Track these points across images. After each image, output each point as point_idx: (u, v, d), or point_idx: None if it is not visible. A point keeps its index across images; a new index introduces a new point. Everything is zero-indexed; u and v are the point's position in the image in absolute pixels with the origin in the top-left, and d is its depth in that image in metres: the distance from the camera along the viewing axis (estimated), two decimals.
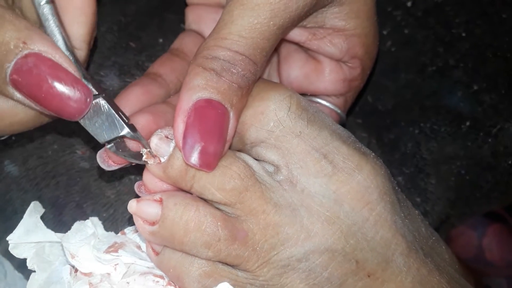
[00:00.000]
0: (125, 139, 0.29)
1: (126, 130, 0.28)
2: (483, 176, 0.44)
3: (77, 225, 0.33)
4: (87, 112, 0.28)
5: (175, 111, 0.28)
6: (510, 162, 0.44)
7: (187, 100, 0.27)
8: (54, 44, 0.27)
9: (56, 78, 0.26)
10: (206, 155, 0.27)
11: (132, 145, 0.30)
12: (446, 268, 0.30)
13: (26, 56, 0.26)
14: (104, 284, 0.29)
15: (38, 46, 0.26)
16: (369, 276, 0.28)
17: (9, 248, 0.34)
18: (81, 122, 0.28)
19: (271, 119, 0.29)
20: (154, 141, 0.29)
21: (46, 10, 0.27)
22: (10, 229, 0.40)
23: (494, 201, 0.44)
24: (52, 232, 0.34)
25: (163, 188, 0.30)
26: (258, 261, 0.28)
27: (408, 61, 0.47)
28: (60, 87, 0.26)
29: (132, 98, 0.33)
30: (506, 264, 0.44)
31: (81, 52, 0.30)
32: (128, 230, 0.34)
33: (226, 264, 0.29)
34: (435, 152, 0.44)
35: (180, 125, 0.27)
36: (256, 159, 0.30)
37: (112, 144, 0.29)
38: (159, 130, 0.29)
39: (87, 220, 0.34)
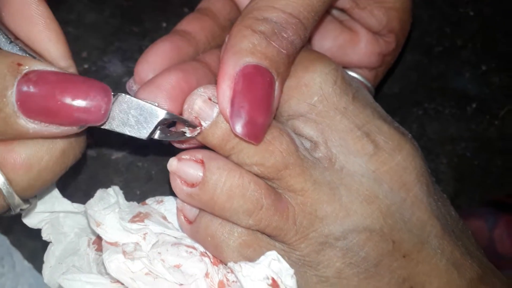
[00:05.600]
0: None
1: (163, 112, 0.27)
2: (492, 161, 0.44)
3: (99, 192, 0.32)
4: (117, 116, 0.26)
5: (218, 75, 0.26)
6: None
7: (234, 65, 0.26)
8: (46, 62, 0.25)
9: (66, 83, 0.24)
10: (255, 126, 0.26)
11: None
12: (475, 252, 0.30)
13: (27, 74, 0.24)
14: (139, 253, 0.28)
15: (34, 65, 0.24)
16: (404, 257, 0.28)
17: (22, 217, 0.32)
18: (117, 129, 0.27)
19: (315, 92, 0.28)
20: (198, 104, 0.27)
21: (16, 50, 0.26)
22: (19, 218, 0.39)
23: (507, 187, 0.44)
24: (69, 202, 0.33)
25: (198, 143, 0.28)
26: (297, 235, 0.27)
27: (414, 42, 0.46)
28: (74, 90, 0.24)
29: (161, 54, 0.31)
30: None
31: (72, 70, 0.27)
32: (150, 201, 0.33)
33: (264, 234, 0.28)
34: (438, 133, 0.44)
35: (226, 91, 0.26)
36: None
37: (159, 132, 0.28)
38: (202, 90, 0.27)
39: (109, 189, 0.32)
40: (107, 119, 0.26)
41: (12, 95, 0.23)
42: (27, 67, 0.24)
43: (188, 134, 0.27)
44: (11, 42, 0.26)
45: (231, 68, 0.26)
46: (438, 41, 0.46)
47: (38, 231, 0.37)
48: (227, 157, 0.28)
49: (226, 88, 0.26)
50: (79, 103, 0.24)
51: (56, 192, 0.33)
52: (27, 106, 0.24)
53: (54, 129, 0.24)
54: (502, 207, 0.45)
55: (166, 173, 0.41)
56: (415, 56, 0.46)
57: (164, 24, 0.44)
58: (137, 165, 0.41)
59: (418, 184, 0.29)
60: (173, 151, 0.30)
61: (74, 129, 0.25)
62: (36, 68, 0.24)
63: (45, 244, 0.33)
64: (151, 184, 0.41)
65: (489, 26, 0.46)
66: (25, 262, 0.41)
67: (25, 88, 0.23)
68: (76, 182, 0.40)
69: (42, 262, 0.33)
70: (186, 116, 0.28)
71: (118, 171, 0.41)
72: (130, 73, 0.42)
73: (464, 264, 0.29)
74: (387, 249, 0.28)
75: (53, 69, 0.25)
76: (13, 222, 0.40)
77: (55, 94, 0.24)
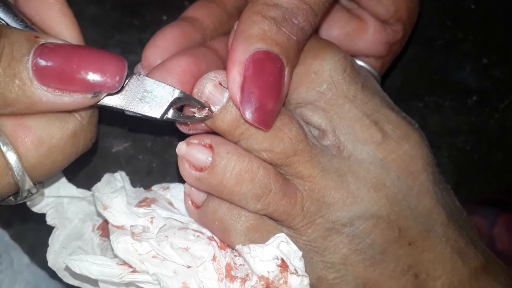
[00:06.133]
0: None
1: (177, 91, 0.27)
2: (492, 154, 0.44)
3: (107, 177, 0.32)
4: (132, 95, 0.26)
5: (228, 61, 0.26)
6: None
7: (244, 51, 0.26)
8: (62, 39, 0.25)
9: (82, 50, 0.24)
10: (265, 112, 0.26)
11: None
12: (478, 242, 0.30)
13: (43, 44, 0.24)
14: (147, 235, 0.28)
15: (51, 39, 0.24)
16: (410, 244, 0.28)
17: (27, 202, 0.32)
18: (131, 108, 0.27)
19: (325, 80, 0.28)
20: (208, 88, 0.27)
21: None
22: (18, 214, 0.39)
23: (507, 180, 0.44)
24: (74, 187, 0.33)
25: (205, 128, 0.29)
26: (304, 220, 0.28)
27: (415, 35, 0.46)
28: (90, 57, 0.24)
29: (169, 39, 0.31)
30: None
31: None
32: (156, 187, 0.33)
33: (272, 219, 0.28)
34: (438, 126, 0.44)
35: (236, 77, 0.26)
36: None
37: (172, 111, 0.27)
38: (212, 74, 0.27)
39: (116, 173, 0.33)
40: (122, 96, 0.26)
41: (28, 61, 0.23)
42: (43, 40, 0.24)
43: (197, 115, 0.27)
44: (26, 26, 0.26)
45: (241, 54, 0.26)
46: (439, 34, 0.46)
47: (38, 225, 0.37)
48: (235, 142, 0.28)
49: (236, 74, 0.26)
50: (95, 68, 0.24)
51: (62, 178, 0.33)
52: (43, 72, 0.23)
53: (66, 98, 0.24)
54: (501, 205, 0.45)
55: (166, 166, 0.41)
56: (416, 48, 0.46)
57: (165, 17, 0.44)
58: (137, 158, 0.41)
59: (425, 173, 0.29)
60: (175, 145, 0.30)
61: (87, 98, 0.25)
62: (53, 41, 0.24)
63: (45, 238, 0.33)
64: (152, 177, 0.40)
65: (490, 18, 0.46)
66: (24, 260, 0.41)
67: (41, 55, 0.23)
68: (74, 177, 0.40)
69: (42, 256, 0.33)
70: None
71: (119, 164, 0.40)
72: (131, 66, 0.42)
73: (468, 253, 0.29)
74: (393, 236, 0.28)
75: (69, 43, 0.25)
76: (12, 217, 0.39)
77: (71, 59, 0.24)
